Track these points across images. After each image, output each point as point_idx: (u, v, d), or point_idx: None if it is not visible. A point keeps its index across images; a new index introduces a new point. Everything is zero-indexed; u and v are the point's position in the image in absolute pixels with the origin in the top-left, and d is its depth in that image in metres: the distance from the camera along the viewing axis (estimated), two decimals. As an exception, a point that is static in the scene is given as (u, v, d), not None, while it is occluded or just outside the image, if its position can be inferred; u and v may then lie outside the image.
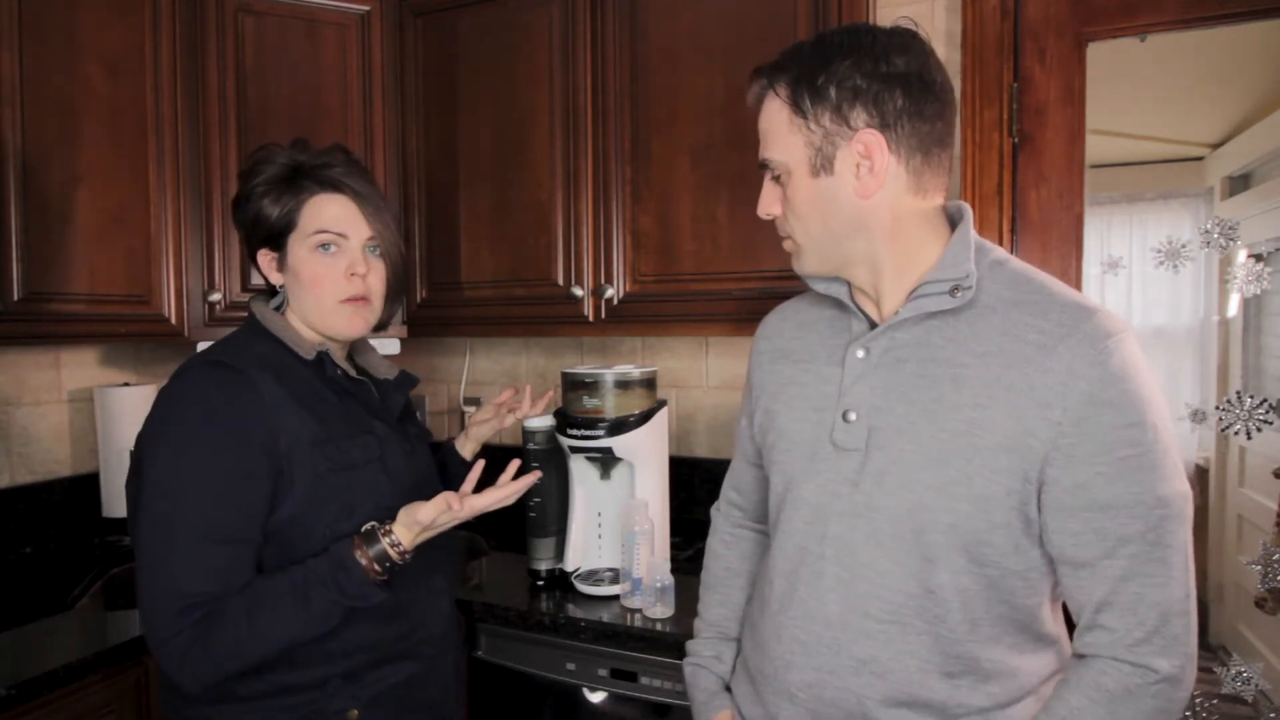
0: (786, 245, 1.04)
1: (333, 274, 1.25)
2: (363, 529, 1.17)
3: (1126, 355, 0.87)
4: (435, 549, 1.29)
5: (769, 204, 1.02)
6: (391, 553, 1.15)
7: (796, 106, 0.94)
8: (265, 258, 1.28)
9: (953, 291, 0.93)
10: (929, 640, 0.93)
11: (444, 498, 1.16)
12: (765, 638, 1.05)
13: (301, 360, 1.24)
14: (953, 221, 1.00)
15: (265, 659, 1.12)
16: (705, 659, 1.19)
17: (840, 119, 0.92)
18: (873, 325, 1.01)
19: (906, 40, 0.94)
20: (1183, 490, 0.88)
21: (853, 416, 0.97)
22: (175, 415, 1.13)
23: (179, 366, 1.19)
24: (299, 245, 1.25)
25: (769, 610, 1.05)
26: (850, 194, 0.94)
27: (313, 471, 1.16)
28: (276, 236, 1.25)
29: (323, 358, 1.26)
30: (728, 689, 1.16)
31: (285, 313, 1.29)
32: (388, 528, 1.16)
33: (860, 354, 0.99)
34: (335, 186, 1.25)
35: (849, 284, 1.03)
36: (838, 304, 1.06)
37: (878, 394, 0.97)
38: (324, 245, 1.24)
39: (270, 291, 1.32)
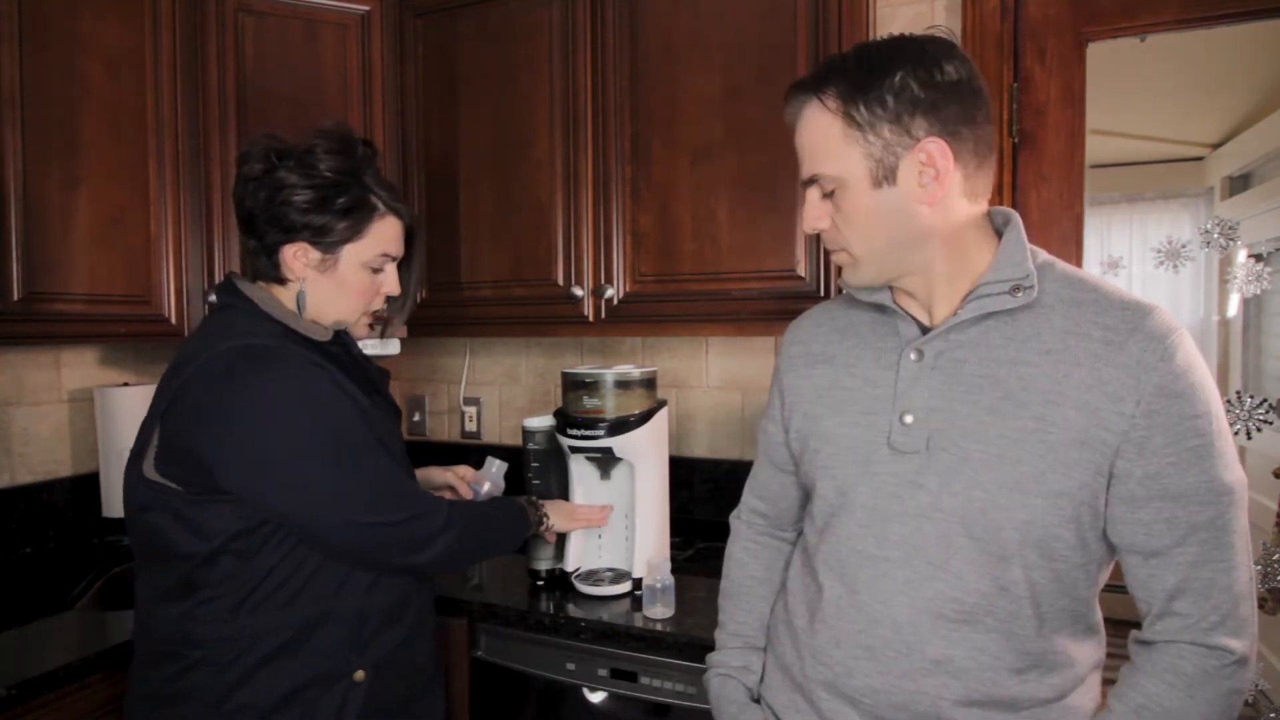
0: (840, 258, 1.02)
1: (372, 290, 1.31)
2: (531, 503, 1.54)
3: (1189, 349, 0.91)
4: None
5: (817, 218, 1.00)
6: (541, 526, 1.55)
7: (850, 118, 0.93)
8: (300, 251, 1.25)
9: (1013, 291, 0.94)
10: (999, 638, 0.94)
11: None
12: (820, 644, 1.03)
13: (309, 342, 1.24)
14: (995, 226, 1.01)
15: (480, 556, 1.46)
16: (734, 669, 1.16)
17: (901, 129, 0.92)
18: (921, 328, 1.00)
19: (950, 49, 0.94)
20: (1242, 477, 0.91)
21: (909, 419, 0.98)
22: (271, 408, 1.13)
23: (187, 365, 1.16)
24: (354, 257, 1.27)
25: (821, 616, 1.03)
26: (914, 203, 0.94)
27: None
28: (334, 242, 1.25)
29: (342, 336, 1.28)
30: (755, 700, 1.15)
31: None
32: (543, 512, 1.55)
33: (913, 356, 0.99)
34: (397, 212, 1.31)
35: (891, 288, 1.03)
36: (876, 307, 1.05)
37: (936, 396, 0.97)
38: (379, 268, 1.30)
39: (266, 278, 1.29)
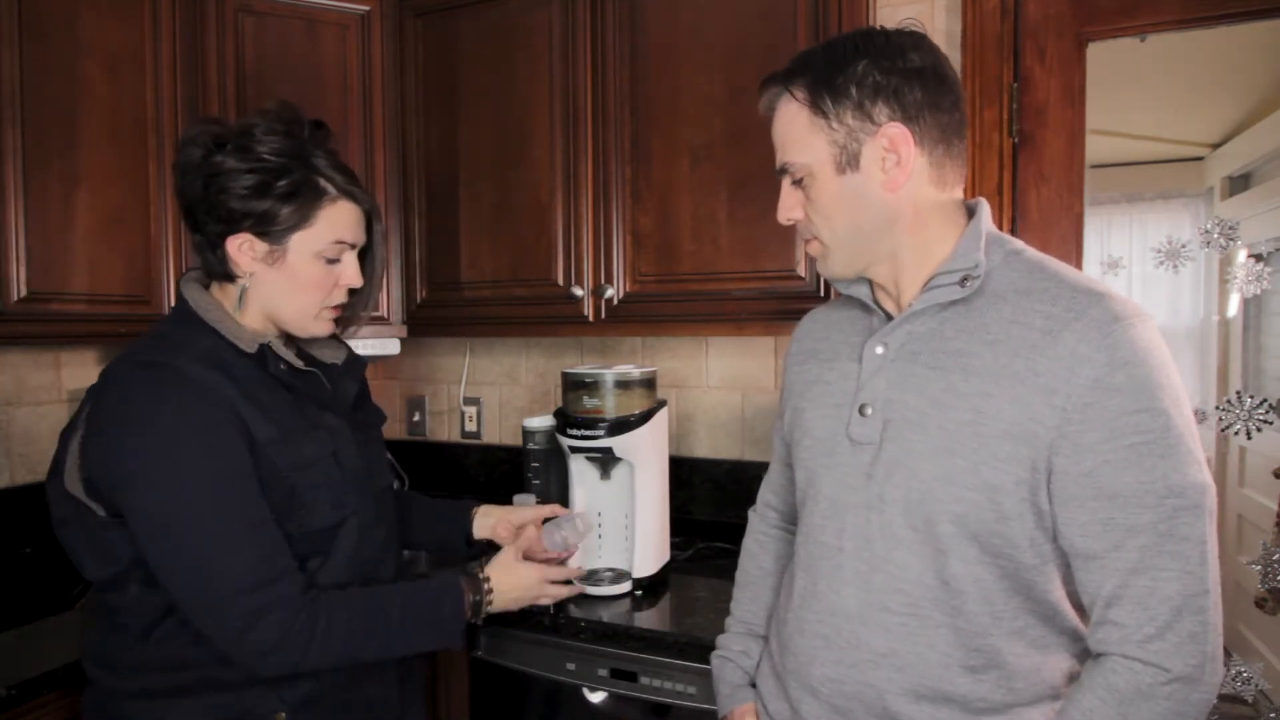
0: (812, 249, 1.04)
1: (329, 282, 1.20)
2: (470, 574, 1.31)
3: (1136, 339, 0.85)
4: (387, 537, 1.27)
5: (790, 208, 1.02)
6: (480, 608, 1.29)
7: (816, 107, 0.95)
8: (245, 243, 1.14)
9: (962, 282, 0.94)
10: (948, 633, 0.93)
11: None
12: (789, 633, 1.06)
13: (240, 353, 1.15)
14: (971, 215, 1.01)
15: (353, 663, 1.15)
16: (733, 653, 1.21)
17: (863, 115, 0.94)
18: (890, 321, 1.02)
19: (917, 39, 0.96)
20: (1199, 480, 0.85)
21: (869, 411, 0.99)
22: (146, 428, 1.06)
23: (109, 370, 1.11)
24: (305, 246, 1.16)
25: (792, 605, 1.06)
26: (877, 188, 0.95)
27: (272, 472, 1.11)
28: (280, 231, 1.15)
29: (265, 351, 1.16)
30: (753, 685, 1.18)
31: (222, 300, 1.19)
32: (489, 586, 1.30)
33: (879, 349, 1.00)
34: (353, 196, 1.20)
35: (871, 284, 1.04)
36: (863, 304, 1.07)
37: (893, 387, 0.97)
38: (335, 257, 1.19)
39: (218, 276, 1.19)
